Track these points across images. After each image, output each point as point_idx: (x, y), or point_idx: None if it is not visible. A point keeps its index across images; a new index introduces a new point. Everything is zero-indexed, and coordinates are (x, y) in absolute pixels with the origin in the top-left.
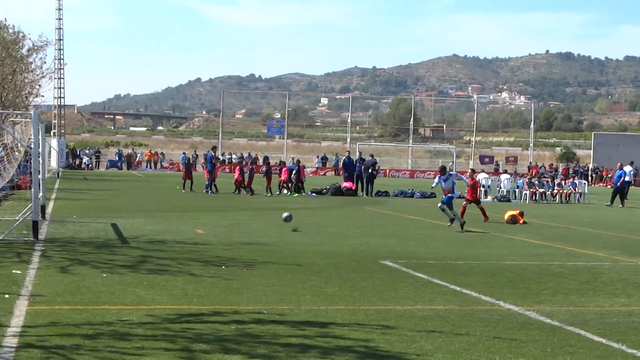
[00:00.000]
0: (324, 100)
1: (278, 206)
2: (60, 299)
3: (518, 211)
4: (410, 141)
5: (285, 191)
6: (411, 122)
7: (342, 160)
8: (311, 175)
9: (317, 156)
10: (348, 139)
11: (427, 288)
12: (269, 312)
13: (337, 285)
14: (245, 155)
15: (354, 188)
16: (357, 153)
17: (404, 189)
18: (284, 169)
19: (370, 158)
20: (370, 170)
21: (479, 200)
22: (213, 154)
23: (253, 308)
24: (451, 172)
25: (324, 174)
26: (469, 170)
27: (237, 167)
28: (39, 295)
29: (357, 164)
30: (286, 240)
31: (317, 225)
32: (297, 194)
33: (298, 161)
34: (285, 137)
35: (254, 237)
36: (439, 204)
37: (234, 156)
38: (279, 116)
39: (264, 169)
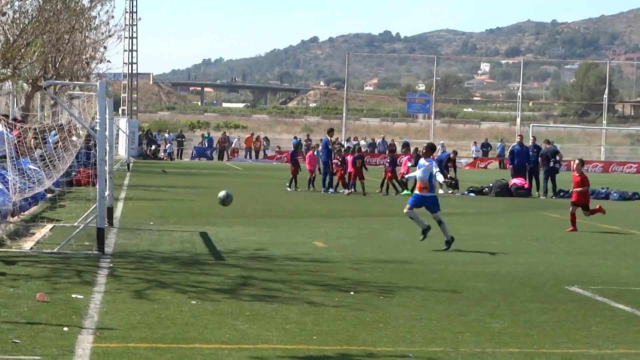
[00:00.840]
0: (485, 67)
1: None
2: (136, 334)
3: None
4: (604, 122)
5: (399, 190)
6: (605, 96)
7: (509, 149)
8: (467, 168)
9: (475, 142)
10: (518, 120)
11: (632, 325)
12: (415, 355)
13: (507, 320)
14: (378, 141)
15: (526, 186)
16: (530, 138)
17: (596, 187)
18: (405, 159)
19: (548, 145)
20: (551, 163)
21: (586, 206)
22: (329, 138)
23: (393, 349)
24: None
25: (485, 167)
26: (576, 161)
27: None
28: (108, 329)
29: (531, 154)
30: (437, 257)
31: (477, 236)
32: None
33: (455, 152)
34: (432, 117)
35: (393, 253)
36: (406, 209)
37: (362, 142)
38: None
39: (402, 159)
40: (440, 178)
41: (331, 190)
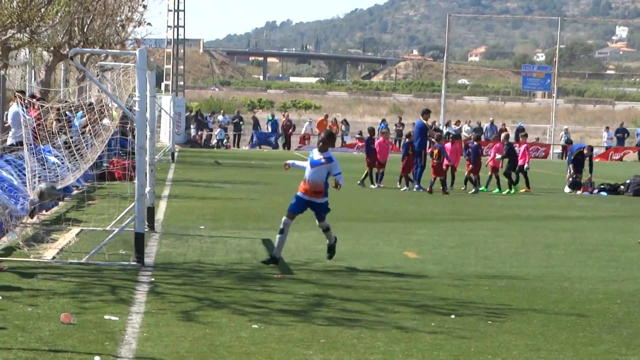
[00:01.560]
0: (622, 32)
1: (547, 213)
2: None
3: None
4: None
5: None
6: None
7: None
8: (597, 160)
9: (607, 128)
10: None
11: None
12: None
13: None
14: (486, 125)
15: None
16: None
17: None
18: (495, 147)
19: None
20: None
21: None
22: (424, 121)
23: None
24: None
25: (620, 159)
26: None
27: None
28: (149, 359)
29: None
30: (559, 272)
31: (610, 246)
32: (512, 191)
33: (590, 148)
34: (555, 95)
35: (503, 267)
36: (285, 216)
37: (465, 127)
38: (543, 59)
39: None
40: (342, 182)
41: (421, 187)
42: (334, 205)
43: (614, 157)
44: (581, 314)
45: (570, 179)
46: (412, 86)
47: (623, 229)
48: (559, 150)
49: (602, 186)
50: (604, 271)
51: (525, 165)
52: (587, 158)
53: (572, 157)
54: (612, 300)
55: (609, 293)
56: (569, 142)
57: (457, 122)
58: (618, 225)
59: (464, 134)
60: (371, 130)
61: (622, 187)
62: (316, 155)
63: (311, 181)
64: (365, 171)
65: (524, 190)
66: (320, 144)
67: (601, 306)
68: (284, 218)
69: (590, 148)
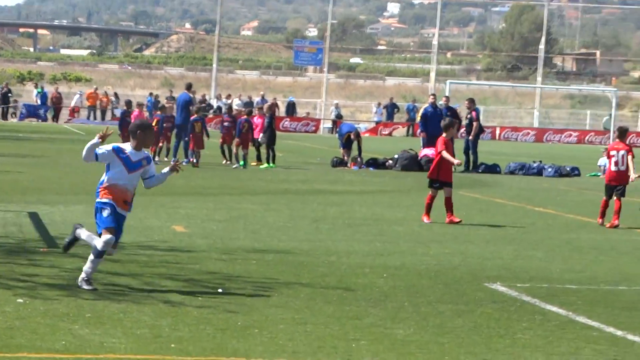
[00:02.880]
0: (393, 8)
1: (316, 187)
2: None
3: None
4: (539, 79)
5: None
6: (541, 47)
7: (420, 111)
8: (367, 134)
9: (379, 103)
10: (432, 74)
11: (566, 331)
12: None
13: (412, 325)
14: (257, 99)
15: None
16: (443, 98)
17: (526, 161)
18: (258, 120)
19: (469, 104)
20: (471, 130)
21: None
22: (191, 96)
23: None
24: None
25: (390, 134)
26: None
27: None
28: None
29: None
30: (326, 246)
31: (377, 220)
32: (271, 165)
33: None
34: (326, 70)
35: (271, 241)
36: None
37: (236, 101)
38: (315, 34)
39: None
40: (164, 177)
41: (186, 160)
42: (80, 179)
43: (384, 132)
44: (348, 287)
45: (336, 159)
46: (184, 59)
47: (390, 204)
48: (329, 124)
49: (370, 161)
50: (371, 245)
51: (260, 138)
52: (356, 142)
53: (343, 141)
54: (378, 274)
55: (375, 267)
56: (339, 117)
57: (228, 96)
58: (385, 200)
59: (234, 107)
60: (128, 103)
61: (390, 161)
62: (131, 151)
63: (124, 188)
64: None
65: (254, 163)
66: (134, 139)
67: (367, 280)
68: (108, 237)
69: (357, 133)
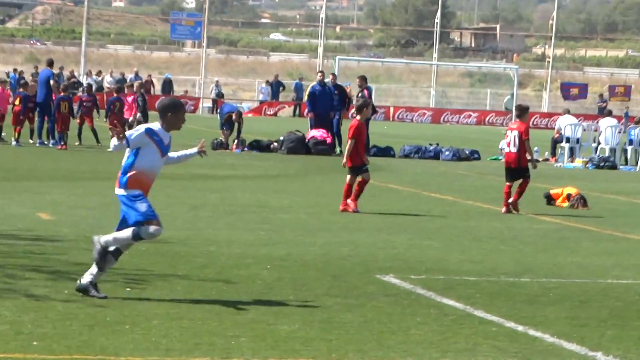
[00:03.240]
0: None
1: (194, 172)
2: None
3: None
4: (435, 55)
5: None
6: (437, 21)
7: (308, 90)
8: (250, 115)
9: (267, 81)
10: (320, 51)
11: (464, 327)
12: None
13: (297, 320)
14: (130, 76)
15: (329, 140)
16: (330, 76)
17: (422, 143)
18: (131, 99)
19: (360, 82)
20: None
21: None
22: (53, 72)
23: None
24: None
25: (275, 114)
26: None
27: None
28: None
29: (335, 97)
30: (205, 236)
31: (261, 207)
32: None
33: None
34: (205, 45)
35: None
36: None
37: (107, 78)
38: (193, 6)
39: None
40: (185, 159)
41: (53, 141)
42: None
43: (268, 112)
44: (228, 280)
45: (216, 141)
46: (50, 33)
47: (275, 189)
48: (209, 104)
49: (253, 143)
50: (254, 234)
51: (131, 119)
52: (237, 123)
53: (222, 122)
54: (262, 265)
55: (258, 257)
56: (220, 95)
57: (99, 73)
58: (270, 185)
59: (105, 84)
60: (21, 81)
61: (275, 144)
62: (165, 136)
63: (157, 176)
64: None
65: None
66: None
67: (250, 272)
68: (153, 228)
69: (239, 114)
